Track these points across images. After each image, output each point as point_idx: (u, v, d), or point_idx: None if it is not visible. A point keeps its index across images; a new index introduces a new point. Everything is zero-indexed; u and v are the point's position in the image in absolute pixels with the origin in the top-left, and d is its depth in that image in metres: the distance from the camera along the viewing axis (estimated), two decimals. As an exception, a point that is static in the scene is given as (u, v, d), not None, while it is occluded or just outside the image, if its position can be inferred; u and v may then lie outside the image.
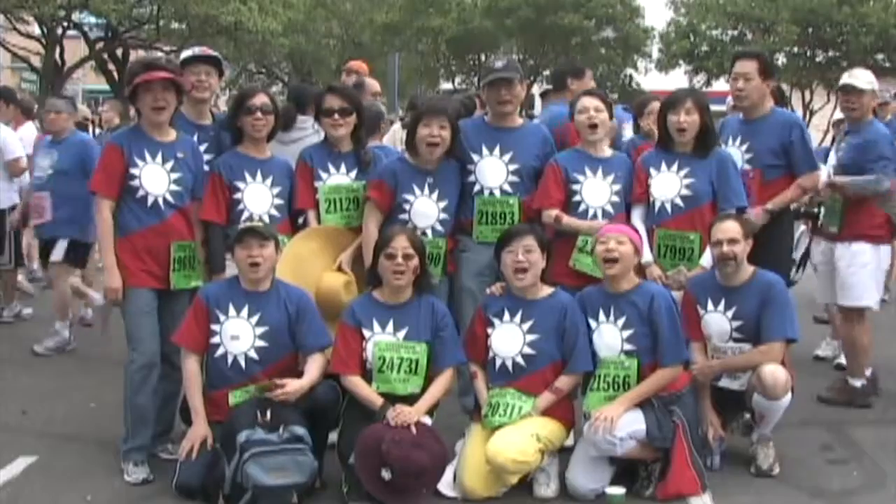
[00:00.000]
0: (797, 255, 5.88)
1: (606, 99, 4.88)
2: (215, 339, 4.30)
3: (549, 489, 4.27)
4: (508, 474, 4.19)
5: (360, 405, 4.28)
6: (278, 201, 4.73)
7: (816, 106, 29.44)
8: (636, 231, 4.53)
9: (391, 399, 4.25)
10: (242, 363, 4.28)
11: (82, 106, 9.61)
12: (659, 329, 4.29)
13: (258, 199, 4.68)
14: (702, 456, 4.36)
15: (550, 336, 4.36)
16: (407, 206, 4.73)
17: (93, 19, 23.07)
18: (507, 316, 4.42)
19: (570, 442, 4.50)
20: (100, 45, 23.44)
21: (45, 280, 8.36)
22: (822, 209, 5.90)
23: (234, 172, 4.68)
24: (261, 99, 4.70)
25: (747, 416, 4.75)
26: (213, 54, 4.96)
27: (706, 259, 4.64)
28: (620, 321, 4.35)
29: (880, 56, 27.70)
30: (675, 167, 4.79)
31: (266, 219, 4.60)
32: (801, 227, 6.17)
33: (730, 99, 6.91)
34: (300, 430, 4.03)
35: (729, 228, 4.47)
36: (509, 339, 4.39)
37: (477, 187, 4.84)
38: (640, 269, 4.58)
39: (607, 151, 4.90)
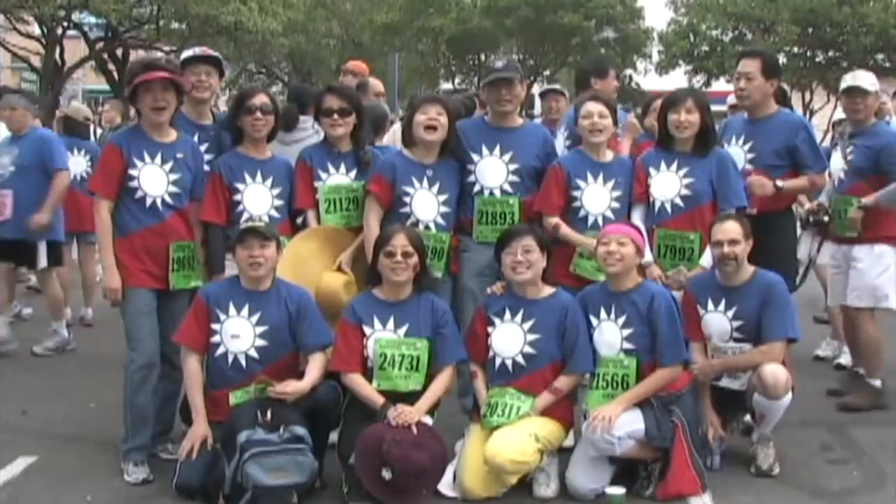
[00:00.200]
0: (801, 256, 5.83)
1: (611, 103, 4.88)
2: (216, 339, 4.30)
3: (549, 489, 4.26)
4: (507, 474, 4.19)
5: (361, 405, 4.28)
6: (278, 202, 4.73)
7: (816, 106, 29.46)
8: (638, 230, 4.53)
9: (392, 396, 4.25)
10: (243, 362, 4.28)
11: (83, 105, 9.56)
12: (658, 329, 4.29)
13: (258, 199, 4.68)
14: (702, 456, 4.36)
15: (551, 336, 4.36)
16: (407, 199, 4.72)
17: (93, 19, 23.04)
18: (507, 315, 4.42)
19: (569, 442, 4.50)
20: (100, 45, 23.41)
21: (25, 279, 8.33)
22: (830, 215, 5.76)
23: (234, 173, 4.67)
24: (260, 99, 4.70)
25: (747, 416, 4.76)
26: (213, 54, 4.96)
27: (706, 259, 4.64)
28: (621, 320, 4.35)
29: (880, 56, 27.72)
30: (674, 167, 4.79)
31: (266, 220, 4.60)
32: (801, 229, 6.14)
33: (730, 98, 6.93)
34: (300, 431, 4.03)
35: (729, 229, 4.47)
36: (510, 339, 4.39)
37: (477, 187, 4.84)
38: (641, 269, 4.58)
39: (609, 155, 4.89)
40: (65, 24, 21.99)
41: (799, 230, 5.78)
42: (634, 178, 4.84)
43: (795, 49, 28.46)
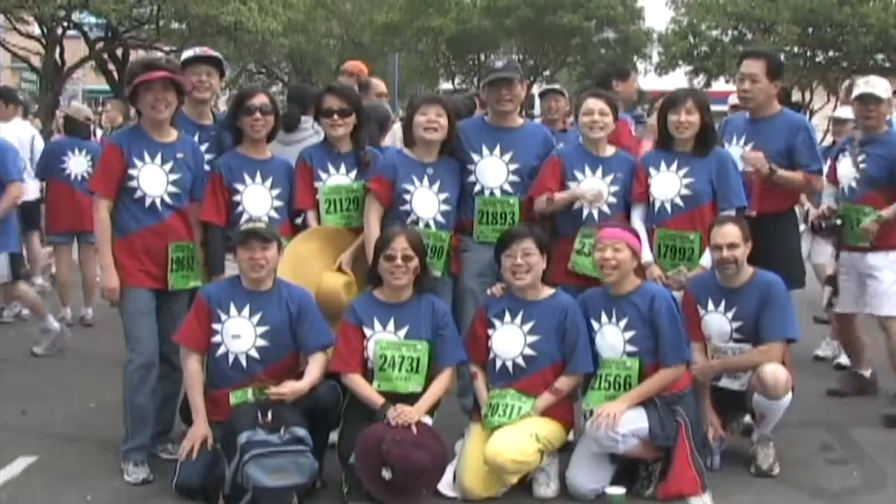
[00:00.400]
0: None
1: (612, 101, 4.89)
2: (216, 339, 4.30)
3: (549, 489, 4.27)
4: (507, 474, 4.20)
5: (361, 405, 4.28)
6: (278, 203, 4.72)
7: (816, 106, 29.43)
8: (633, 233, 4.52)
9: (392, 398, 4.25)
10: (243, 362, 4.28)
11: (84, 106, 9.55)
12: (660, 329, 4.30)
13: (257, 200, 4.68)
14: (702, 456, 4.36)
15: (551, 337, 4.36)
16: (407, 197, 4.72)
17: (93, 19, 23.02)
18: (507, 317, 4.42)
19: (571, 437, 4.51)
20: (100, 45, 23.39)
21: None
22: (843, 219, 5.63)
23: (234, 174, 4.67)
24: (260, 99, 4.69)
25: (747, 417, 4.76)
26: (213, 55, 4.96)
27: (706, 259, 4.64)
28: (622, 323, 4.35)
29: (880, 56, 27.68)
30: (674, 167, 4.79)
31: (265, 220, 4.58)
32: (801, 227, 6.11)
33: (731, 98, 6.89)
34: (301, 432, 4.03)
35: (728, 233, 4.46)
36: (510, 341, 4.39)
37: (477, 187, 4.84)
38: (641, 270, 4.58)
39: (609, 150, 4.90)
40: (65, 24, 21.97)
41: (801, 228, 5.76)
42: (635, 178, 4.84)
43: (795, 49, 28.40)
